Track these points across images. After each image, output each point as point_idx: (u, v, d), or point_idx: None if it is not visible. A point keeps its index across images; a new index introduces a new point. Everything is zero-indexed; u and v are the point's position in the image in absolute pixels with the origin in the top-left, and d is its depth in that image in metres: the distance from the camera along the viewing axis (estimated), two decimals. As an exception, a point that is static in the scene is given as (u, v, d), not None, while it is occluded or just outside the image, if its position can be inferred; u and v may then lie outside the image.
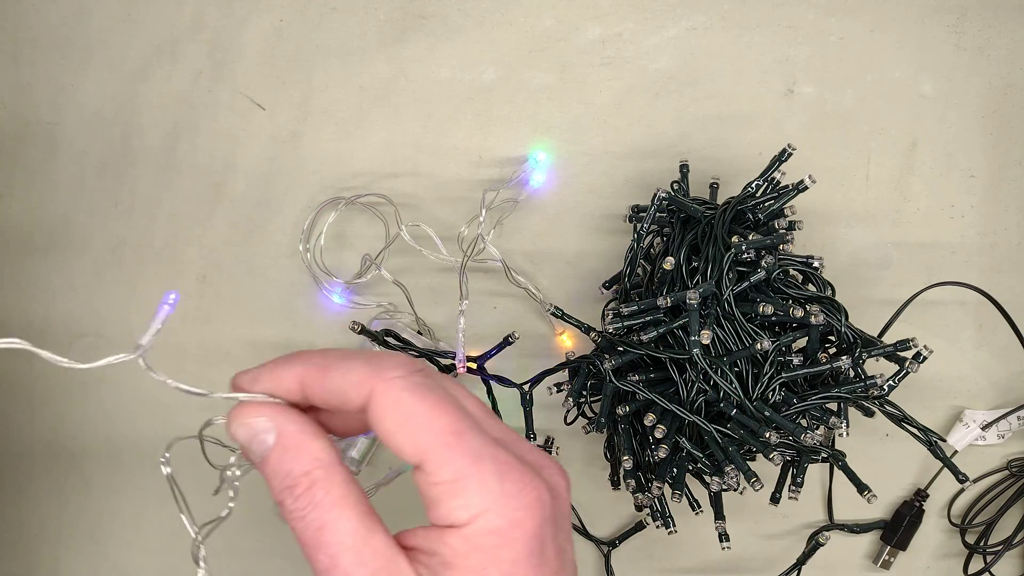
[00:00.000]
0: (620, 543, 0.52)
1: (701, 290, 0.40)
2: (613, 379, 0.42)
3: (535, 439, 0.46)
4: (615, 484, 0.48)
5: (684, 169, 0.48)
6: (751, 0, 0.52)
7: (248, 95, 0.52)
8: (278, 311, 0.52)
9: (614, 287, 0.50)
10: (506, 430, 0.32)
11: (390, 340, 0.45)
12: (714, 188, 0.49)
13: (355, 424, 0.32)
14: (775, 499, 0.45)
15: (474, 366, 0.46)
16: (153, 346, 0.30)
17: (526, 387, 0.45)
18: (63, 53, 0.52)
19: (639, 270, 0.46)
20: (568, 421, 0.47)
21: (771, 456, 0.40)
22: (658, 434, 0.40)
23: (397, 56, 0.52)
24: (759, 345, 0.39)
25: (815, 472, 0.52)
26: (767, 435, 0.39)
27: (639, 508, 0.45)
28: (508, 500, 0.28)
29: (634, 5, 0.52)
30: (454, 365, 0.47)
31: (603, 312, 0.49)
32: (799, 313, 0.40)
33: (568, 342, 0.51)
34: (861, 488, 0.42)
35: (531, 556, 0.28)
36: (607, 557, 0.52)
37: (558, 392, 0.47)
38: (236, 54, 0.52)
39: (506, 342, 0.45)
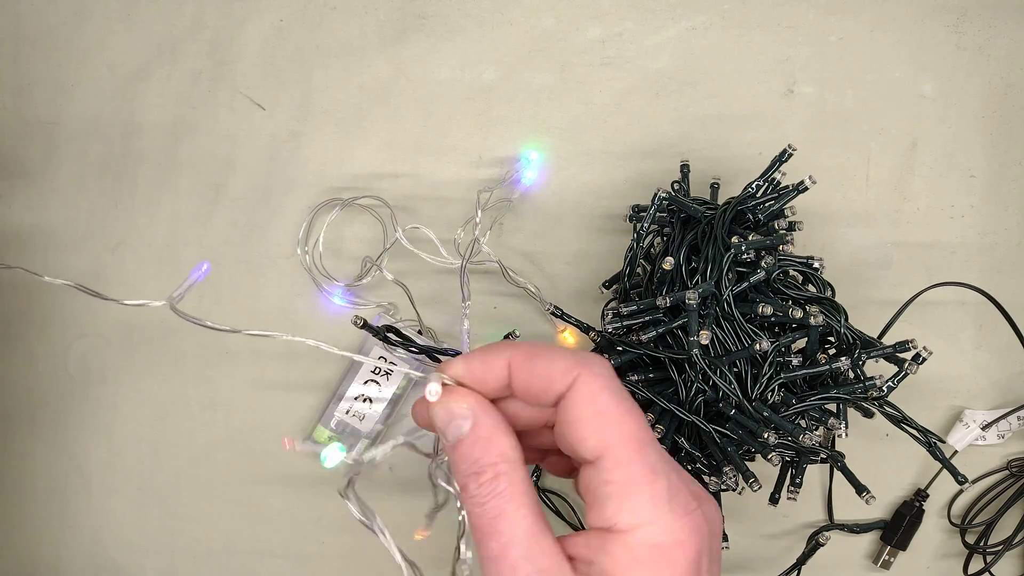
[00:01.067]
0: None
1: (700, 290, 0.40)
2: (612, 379, 0.42)
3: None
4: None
5: (685, 169, 0.48)
6: (751, 0, 0.52)
7: (248, 95, 0.52)
8: (278, 311, 0.52)
9: (614, 287, 0.50)
10: (670, 457, 0.33)
11: (391, 336, 0.45)
12: (714, 188, 0.49)
13: (538, 417, 0.33)
14: (774, 499, 0.45)
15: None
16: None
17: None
18: (63, 53, 0.52)
19: (639, 270, 0.46)
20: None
21: (770, 457, 0.40)
22: (656, 434, 0.40)
23: (397, 56, 0.52)
24: (758, 346, 0.39)
25: (815, 472, 0.52)
26: (766, 436, 0.39)
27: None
28: (674, 519, 0.28)
29: (634, 5, 0.52)
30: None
31: (603, 312, 0.49)
32: (798, 314, 0.40)
33: (570, 339, 0.51)
34: (860, 489, 0.42)
35: None
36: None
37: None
38: (236, 54, 0.52)
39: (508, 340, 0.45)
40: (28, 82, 0.52)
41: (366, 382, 0.50)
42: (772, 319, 0.41)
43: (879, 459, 0.52)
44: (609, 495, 0.29)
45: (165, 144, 0.52)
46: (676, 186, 0.48)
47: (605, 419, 0.29)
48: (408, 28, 0.52)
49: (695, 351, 0.39)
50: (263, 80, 0.52)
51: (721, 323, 0.41)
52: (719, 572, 0.31)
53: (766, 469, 0.43)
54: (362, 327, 0.43)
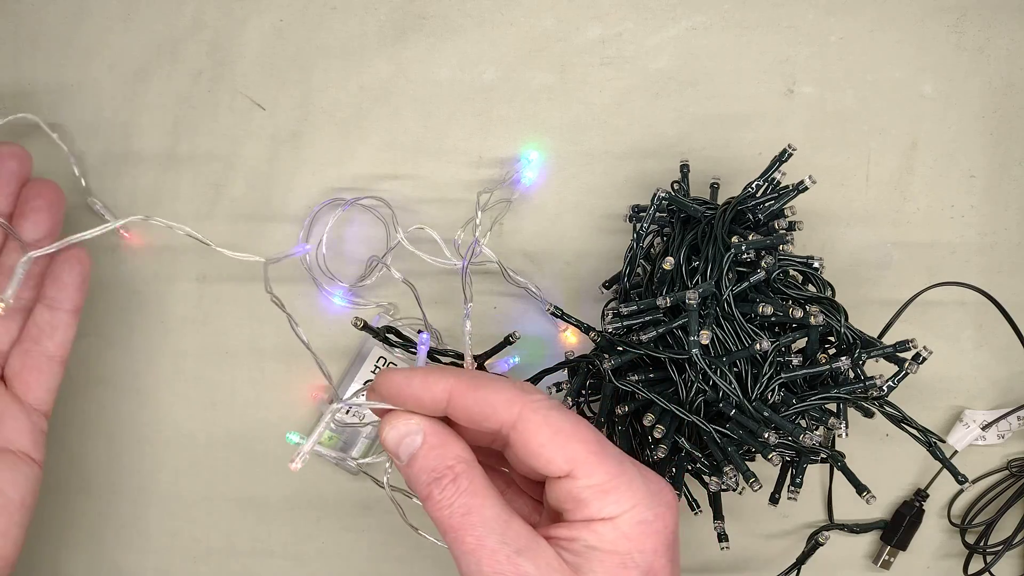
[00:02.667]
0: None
1: (700, 290, 0.40)
2: (612, 379, 0.42)
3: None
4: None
5: (684, 169, 0.48)
6: (751, 0, 0.52)
7: (248, 95, 0.52)
8: (278, 311, 0.52)
9: (614, 287, 0.50)
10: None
11: (391, 337, 0.45)
12: (714, 188, 0.49)
13: (481, 439, 0.35)
14: (774, 499, 0.45)
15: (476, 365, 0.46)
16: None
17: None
18: (63, 53, 0.52)
19: (639, 270, 0.46)
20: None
21: (770, 456, 0.40)
22: (657, 434, 0.40)
23: (397, 56, 0.52)
24: (758, 345, 0.39)
25: (815, 472, 0.52)
26: (766, 435, 0.39)
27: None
28: (653, 497, 0.32)
29: (634, 5, 0.52)
30: (457, 364, 0.46)
31: (603, 312, 0.49)
32: (798, 314, 0.40)
33: (571, 339, 0.51)
34: (860, 489, 0.42)
35: (667, 549, 0.32)
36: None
37: (557, 391, 0.47)
38: (236, 54, 0.52)
39: (507, 342, 0.45)
40: (28, 82, 0.52)
41: (366, 382, 0.50)
42: (772, 319, 0.41)
43: (879, 459, 0.52)
44: (591, 497, 0.31)
45: (165, 144, 0.52)
46: (676, 186, 0.48)
47: (564, 436, 0.32)
48: (408, 28, 0.52)
49: (695, 351, 0.39)
50: (263, 80, 0.52)
51: (721, 323, 0.41)
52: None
53: (766, 469, 0.43)
54: (362, 328, 0.43)
